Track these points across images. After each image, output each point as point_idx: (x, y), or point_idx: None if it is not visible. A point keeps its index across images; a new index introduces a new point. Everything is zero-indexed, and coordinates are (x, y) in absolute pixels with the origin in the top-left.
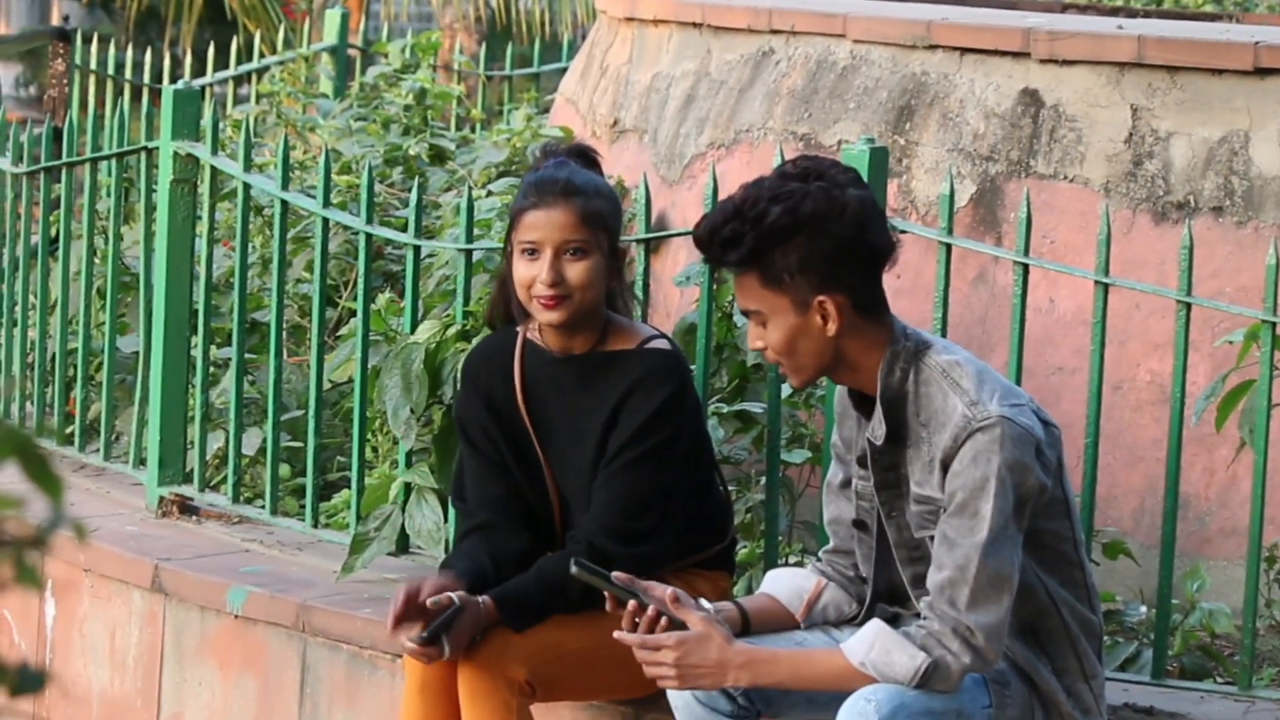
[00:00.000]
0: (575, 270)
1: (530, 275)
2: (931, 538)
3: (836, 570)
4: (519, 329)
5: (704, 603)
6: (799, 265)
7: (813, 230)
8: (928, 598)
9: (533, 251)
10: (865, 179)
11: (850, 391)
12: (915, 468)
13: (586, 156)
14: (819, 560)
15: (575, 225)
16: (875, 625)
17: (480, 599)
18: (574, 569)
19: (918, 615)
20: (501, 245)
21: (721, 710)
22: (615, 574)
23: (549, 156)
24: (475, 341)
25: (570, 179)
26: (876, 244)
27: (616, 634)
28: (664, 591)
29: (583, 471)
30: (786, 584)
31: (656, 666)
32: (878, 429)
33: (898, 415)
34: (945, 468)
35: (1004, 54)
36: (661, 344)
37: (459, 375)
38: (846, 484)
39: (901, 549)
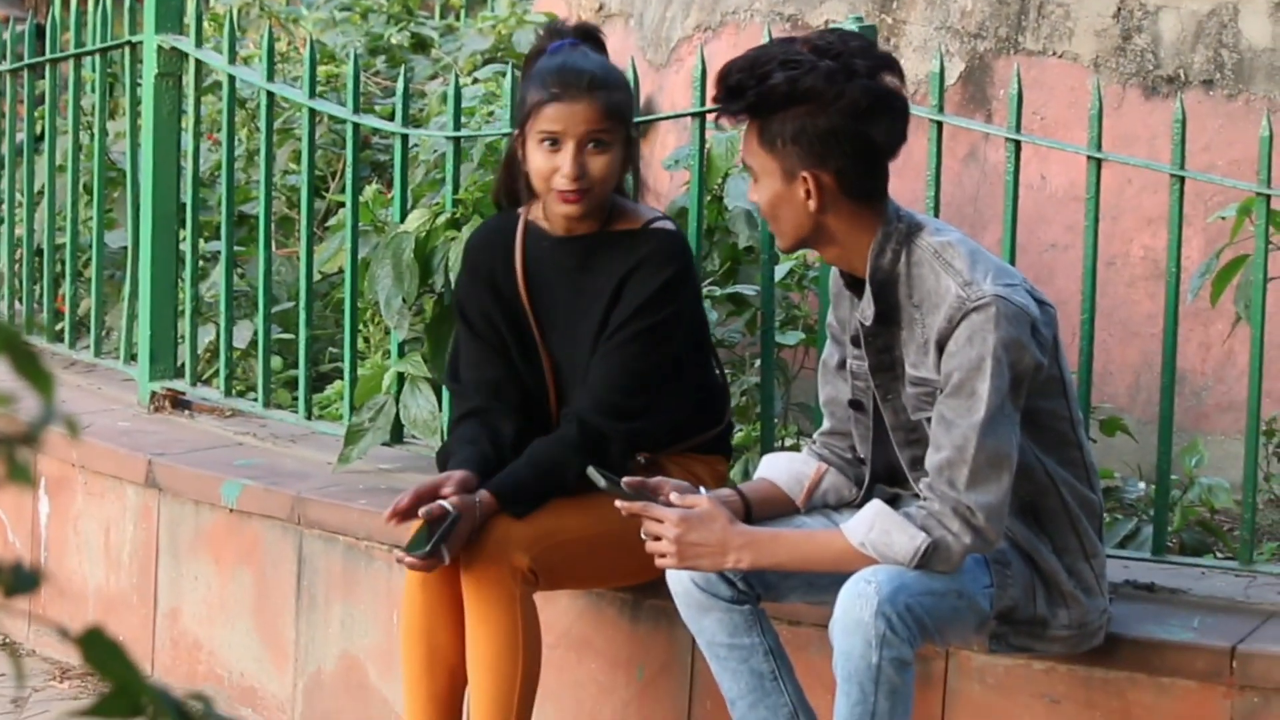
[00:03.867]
0: (598, 163)
1: (551, 167)
2: (928, 420)
3: (834, 453)
4: (520, 211)
5: (704, 491)
6: (792, 136)
7: (809, 107)
8: (927, 479)
9: (554, 142)
10: None
11: (842, 272)
12: (910, 349)
13: (595, 39)
14: (814, 444)
15: (599, 119)
16: (875, 506)
17: (477, 495)
18: (590, 471)
19: (917, 496)
20: (488, 133)
21: (721, 595)
22: (626, 479)
23: (554, 37)
24: (465, 229)
25: (595, 72)
26: (874, 137)
27: (619, 503)
28: (669, 486)
29: (583, 352)
30: (785, 469)
31: (658, 542)
32: (867, 310)
33: (889, 297)
34: (940, 349)
35: None
36: (666, 224)
37: (455, 262)
38: (842, 365)
39: (899, 431)
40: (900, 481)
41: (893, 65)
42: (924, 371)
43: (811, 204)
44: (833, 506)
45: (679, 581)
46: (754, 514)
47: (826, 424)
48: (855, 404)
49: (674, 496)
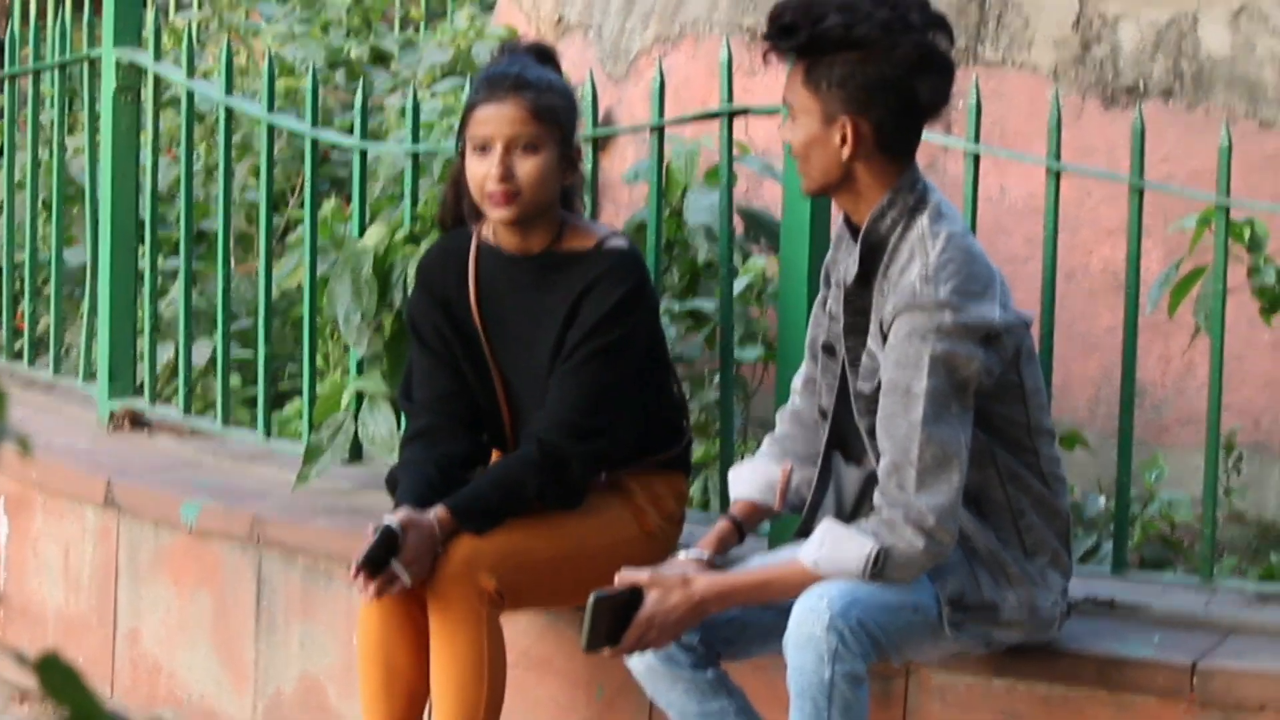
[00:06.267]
0: (526, 166)
1: (482, 172)
2: (873, 393)
3: (789, 450)
4: (473, 229)
5: (688, 552)
6: (839, 80)
7: (861, 54)
8: (877, 486)
9: (484, 148)
10: None
11: (846, 218)
12: (873, 317)
13: (544, 53)
14: (771, 445)
15: (526, 120)
16: (825, 524)
17: (430, 513)
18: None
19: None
20: (447, 147)
21: (683, 664)
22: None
23: (506, 54)
24: (424, 245)
25: (521, 73)
26: (919, 93)
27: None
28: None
29: (538, 372)
30: (753, 479)
31: (641, 643)
32: (851, 267)
33: (873, 260)
34: (885, 335)
35: None
36: (620, 243)
37: (413, 276)
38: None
39: (859, 400)
40: (857, 455)
41: (945, 26)
42: (875, 345)
43: (845, 150)
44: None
45: (640, 662)
46: (745, 533)
47: (804, 369)
48: (828, 348)
49: (618, 577)
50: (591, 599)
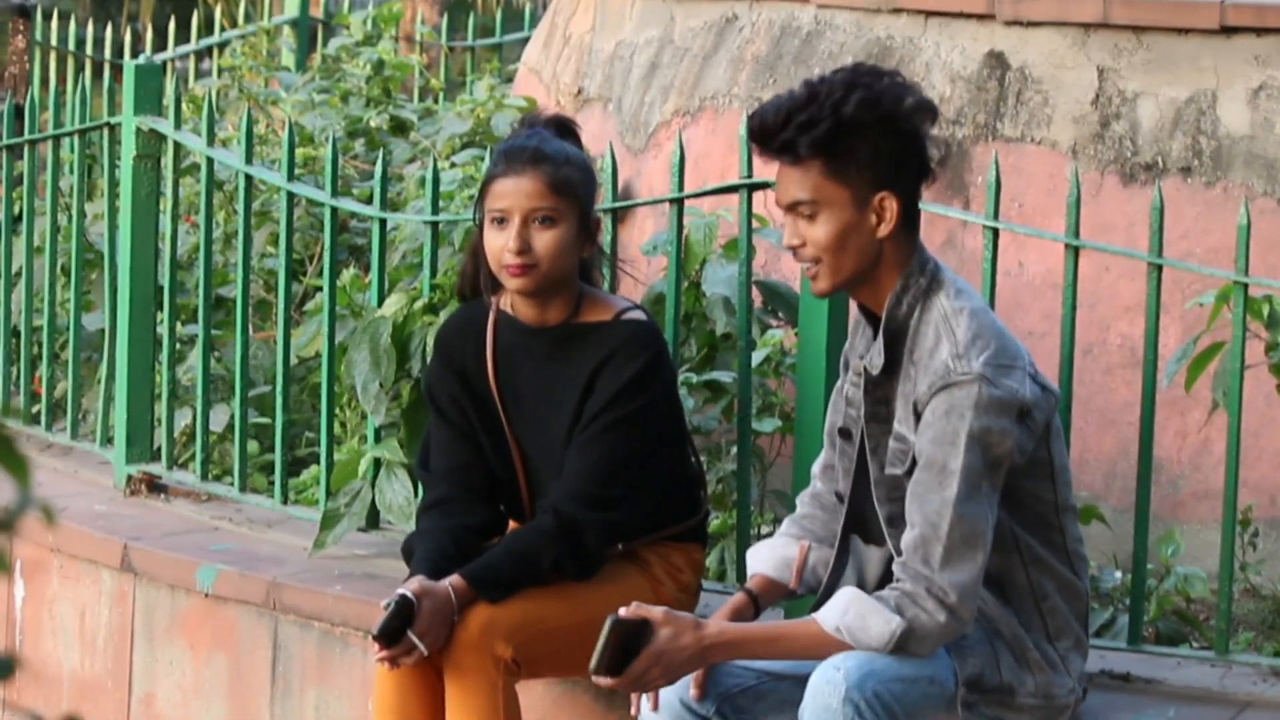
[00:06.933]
0: (543, 239)
1: (499, 244)
2: (903, 476)
3: (808, 530)
4: (492, 300)
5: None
6: (867, 158)
7: (887, 124)
8: (901, 559)
9: (501, 220)
10: None
11: (861, 306)
12: (898, 404)
13: (563, 126)
14: (790, 525)
15: (543, 193)
16: (849, 591)
17: (446, 582)
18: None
19: (889, 572)
20: (466, 217)
21: None
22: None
23: (526, 126)
24: (443, 314)
25: (540, 147)
26: (928, 156)
27: (600, 681)
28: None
29: (555, 443)
30: (770, 558)
31: (643, 680)
32: (876, 358)
33: (896, 348)
34: (919, 415)
35: (969, 16)
36: (637, 315)
37: (431, 347)
38: None
39: (880, 486)
40: (876, 538)
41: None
42: (904, 429)
43: (883, 229)
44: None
45: None
46: (761, 607)
47: (824, 456)
48: (844, 432)
49: (632, 609)
50: (609, 620)
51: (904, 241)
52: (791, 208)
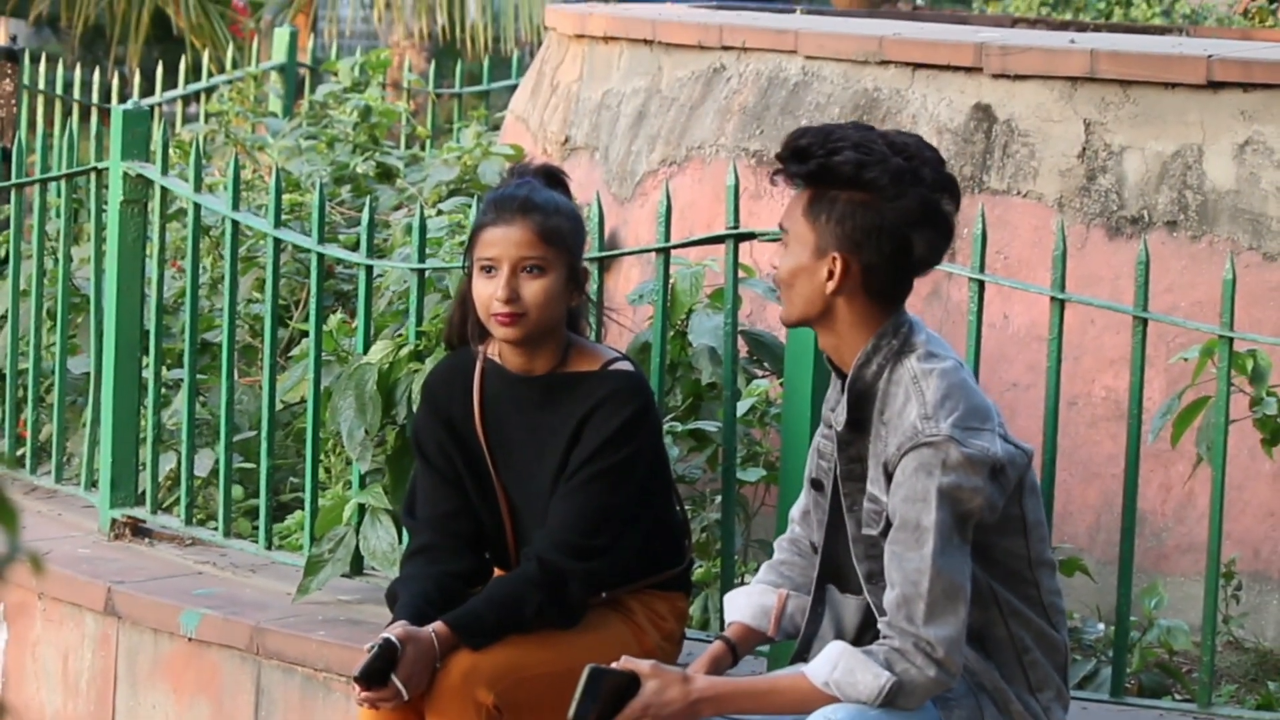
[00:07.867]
0: (532, 288)
1: (488, 292)
2: (879, 536)
3: (786, 578)
4: (479, 349)
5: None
6: (838, 216)
7: (866, 196)
8: (885, 617)
9: (490, 269)
10: None
11: (829, 359)
12: (871, 464)
13: (553, 176)
14: (768, 573)
15: (532, 242)
16: (838, 646)
17: (429, 628)
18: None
19: (872, 618)
20: (453, 264)
21: None
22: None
23: (516, 175)
24: (428, 362)
25: (529, 196)
26: (914, 247)
27: None
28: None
29: (541, 491)
30: (749, 605)
31: None
32: (840, 415)
33: (863, 408)
34: (889, 476)
35: (956, 69)
36: (625, 365)
37: (417, 394)
38: None
39: (858, 545)
40: (853, 588)
41: (954, 190)
42: (877, 490)
43: (830, 285)
44: (800, 627)
45: None
46: (739, 656)
47: (802, 500)
48: (816, 483)
49: (620, 663)
50: (588, 669)
51: (866, 305)
52: (781, 228)
